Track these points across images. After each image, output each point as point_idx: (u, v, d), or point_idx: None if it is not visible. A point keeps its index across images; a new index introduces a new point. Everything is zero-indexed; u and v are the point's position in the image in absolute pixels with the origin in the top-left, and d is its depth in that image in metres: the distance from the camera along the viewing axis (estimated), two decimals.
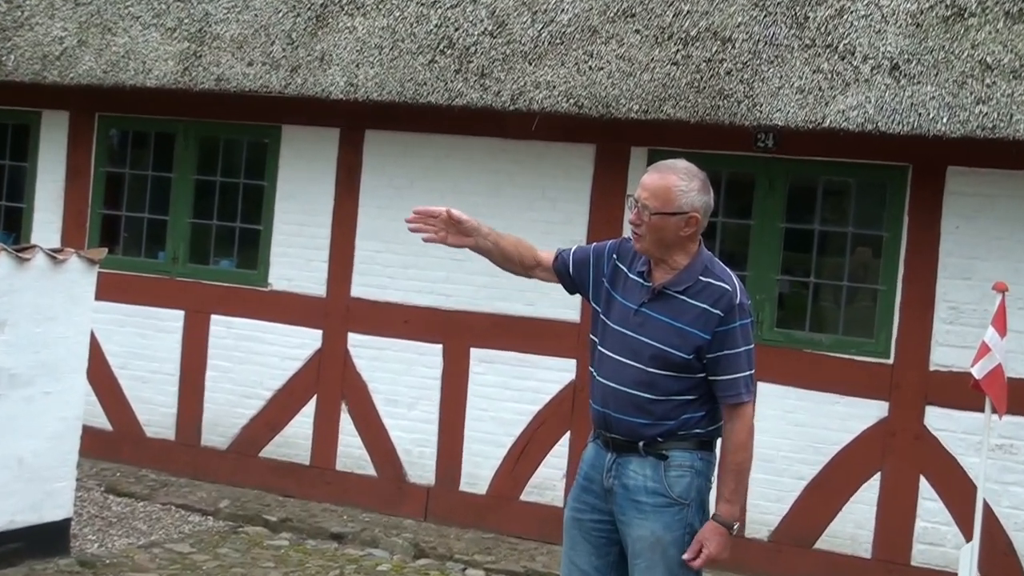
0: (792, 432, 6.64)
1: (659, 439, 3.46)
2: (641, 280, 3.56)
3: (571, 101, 6.49)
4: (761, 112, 6.12)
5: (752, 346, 3.47)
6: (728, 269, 3.55)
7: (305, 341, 7.67)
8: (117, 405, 8.08)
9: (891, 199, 6.49)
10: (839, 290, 6.69)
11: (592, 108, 6.43)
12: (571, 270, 3.68)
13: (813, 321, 6.72)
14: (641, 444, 3.46)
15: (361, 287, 7.57)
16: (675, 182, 3.42)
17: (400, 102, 6.88)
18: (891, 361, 6.43)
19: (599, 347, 3.57)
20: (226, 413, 7.86)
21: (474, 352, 7.29)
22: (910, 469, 6.40)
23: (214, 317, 7.86)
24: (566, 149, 7.09)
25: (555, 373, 7.11)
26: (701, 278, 3.48)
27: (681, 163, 3.49)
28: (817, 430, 6.59)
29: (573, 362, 7.04)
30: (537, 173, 7.16)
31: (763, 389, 6.55)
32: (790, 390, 6.62)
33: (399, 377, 7.46)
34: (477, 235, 3.58)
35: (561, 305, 6.97)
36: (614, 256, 3.63)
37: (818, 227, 6.71)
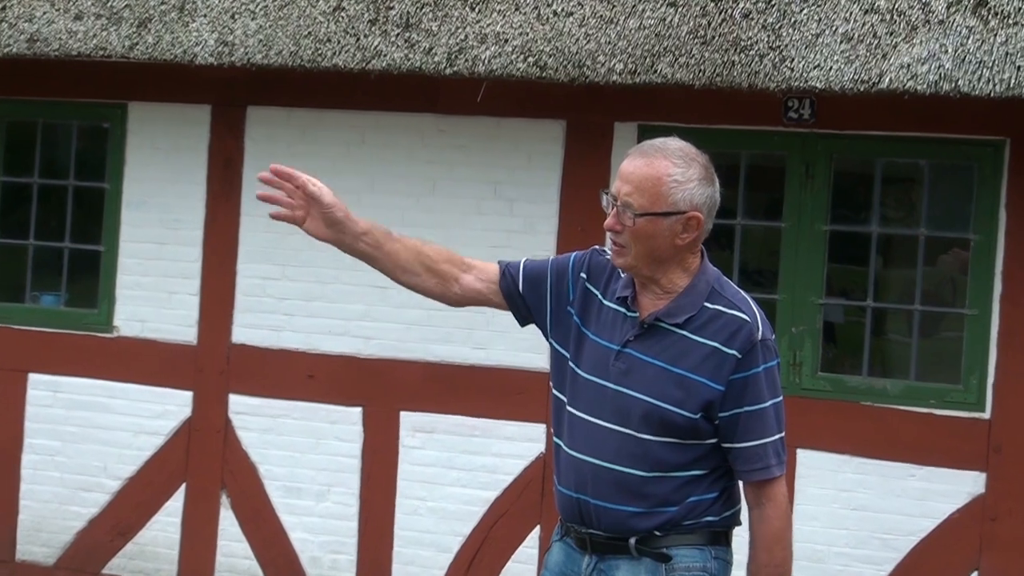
0: (850, 519, 6.63)
1: (657, 533, 3.47)
2: (623, 309, 3.57)
3: (530, 60, 6.52)
4: (793, 70, 6.14)
5: (781, 398, 3.51)
6: (742, 292, 3.58)
7: (167, 408, 7.63)
8: None
9: (980, 187, 6.51)
10: (909, 317, 6.70)
11: (560, 70, 6.45)
12: (521, 287, 3.70)
13: (874, 362, 6.73)
14: (632, 541, 3.48)
15: (246, 329, 7.54)
16: (667, 169, 3.43)
17: (294, 66, 6.87)
18: (987, 415, 6.45)
19: (567, 407, 3.59)
20: (53, 514, 7.79)
21: (406, 418, 7.27)
22: (1019, 567, 6.40)
23: (32, 377, 7.82)
24: (525, 127, 7.09)
25: (518, 445, 7.08)
26: (708, 305, 3.49)
27: (673, 142, 3.50)
28: (885, 515, 6.59)
29: (542, 428, 7.01)
30: (486, 162, 7.16)
31: (805, 459, 6.54)
32: (845, 460, 6.62)
33: (302, 456, 7.43)
34: (345, 230, 3.60)
35: (525, 347, 6.96)
36: (582, 276, 3.65)
37: (876, 229, 6.72)
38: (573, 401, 3.57)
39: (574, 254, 3.72)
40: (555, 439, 3.64)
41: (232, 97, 7.52)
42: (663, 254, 3.47)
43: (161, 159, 7.68)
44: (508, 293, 3.71)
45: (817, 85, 6.10)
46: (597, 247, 3.70)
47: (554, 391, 3.64)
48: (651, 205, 3.43)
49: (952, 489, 6.49)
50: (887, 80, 6.00)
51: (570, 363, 3.59)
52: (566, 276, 3.67)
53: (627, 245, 3.48)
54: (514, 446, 7.10)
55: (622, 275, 3.59)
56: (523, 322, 3.75)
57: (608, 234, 3.52)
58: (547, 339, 3.68)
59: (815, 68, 6.11)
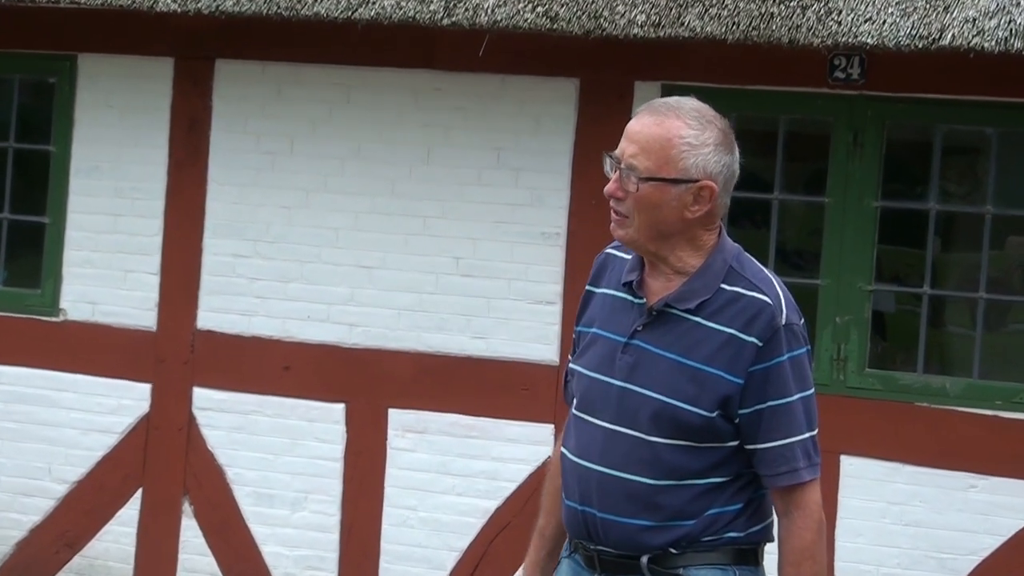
0: (902, 536, 6.61)
1: (672, 550, 3.48)
2: (629, 296, 3.58)
3: (539, 10, 6.52)
4: (840, 23, 6.12)
5: (812, 391, 3.50)
6: (766, 270, 3.57)
7: (122, 402, 7.62)
8: None
9: None
10: (973, 307, 6.69)
11: (573, 21, 6.44)
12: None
13: (930, 357, 6.72)
14: (645, 560, 3.49)
15: (213, 314, 7.53)
16: (679, 130, 3.44)
17: (270, 14, 6.86)
18: None
19: (573, 410, 3.65)
20: None
21: (394, 415, 7.27)
22: None
23: None
24: (533, 87, 7.07)
25: (522, 448, 7.07)
26: (725, 286, 3.50)
27: (689, 101, 3.52)
28: (942, 532, 6.57)
29: (550, 429, 7.01)
30: (488, 125, 7.15)
31: (851, 467, 6.53)
32: (896, 468, 6.61)
33: (276, 458, 7.42)
34: (549, 565, 3.80)
35: (530, 337, 6.97)
36: (587, 289, 3.72)
37: (935, 206, 6.70)
38: (578, 403, 3.60)
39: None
40: (562, 447, 3.67)
41: (198, 49, 7.49)
42: (670, 227, 3.47)
43: (115, 119, 7.66)
44: None
45: (868, 41, 6.09)
46: (610, 247, 3.72)
47: (568, 392, 3.74)
48: (658, 169, 3.43)
49: (1020, 502, 6.49)
50: (949, 36, 5.99)
51: (571, 364, 3.67)
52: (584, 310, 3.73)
53: (629, 214, 3.48)
54: (518, 449, 7.09)
55: (626, 256, 3.60)
56: None
57: (610, 201, 3.52)
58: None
59: (866, 21, 6.11)
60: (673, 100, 3.51)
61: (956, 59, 6.08)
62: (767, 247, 6.74)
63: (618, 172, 3.48)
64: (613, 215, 3.53)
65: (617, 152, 3.48)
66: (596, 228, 6.70)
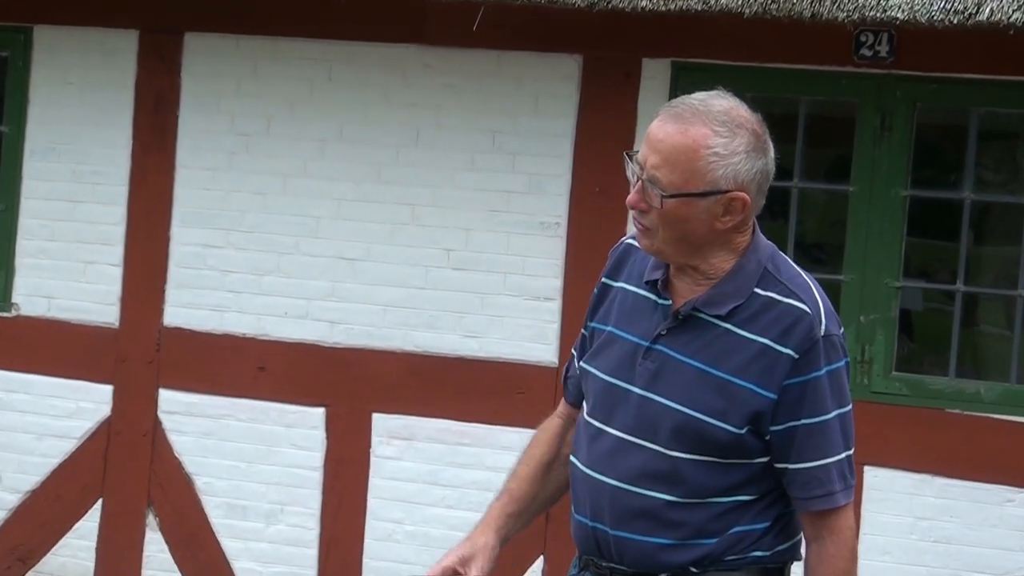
0: (931, 553, 6.64)
1: (693, 569, 3.49)
2: (653, 296, 3.57)
3: None
4: None
5: (850, 407, 3.50)
6: (804, 274, 3.55)
7: (81, 405, 7.63)
8: None
9: None
10: (1010, 306, 6.71)
11: None
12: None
13: (963, 360, 6.73)
14: None
15: (181, 309, 7.55)
16: (706, 140, 3.40)
17: None
18: None
19: (585, 416, 3.61)
20: None
21: (379, 421, 7.29)
22: None
23: None
24: (532, 64, 7.09)
25: (517, 456, 7.04)
26: (759, 291, 3.49)
27: (718, 101, 3.46)
28: (975, 549, 6.60)
29: None
30: (483, 106, 7.16)
31: (876, 479, 6.56)
32: (925, 480, 6.63)
33: (249, 466, 7.44)
34: (508, 525, 3.88)
35: (527, 336, 6.99)
36: (603, 281, 3.70)
37: (969, 196, 6.71)
38: (591, 409, 3.59)
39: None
40: (571, 456, 3.66)
41: (165, 21, 7.50)
42: (699, 240, 3.46)
43: (74, 97, 7.67)
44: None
45: (898, 15, 6.11)
46: (629, 236, 3.70)
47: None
48: (684, 184, 3.40)
49: None
50: (987, 10, 6.01)
51: (581, 363, 3.66)
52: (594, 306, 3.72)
53: (653, 227, 3.46)
54: (513, 458, 6.89)
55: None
56: None
57: (632, 212, 3.50)
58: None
59: None
60: (699, 101, 3.45)
61: (994, 36, 6.10)
62: (786, 239, 6.74)
63: (640, 183, 3.44)
64: (636, 225, 3.50)
65: (638, 158, 3.45)
66: (599, 218, 6.72)
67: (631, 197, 3.47)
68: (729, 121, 3.42)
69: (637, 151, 3.47)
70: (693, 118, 3.42)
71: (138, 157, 7.59)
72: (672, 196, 3.40)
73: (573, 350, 3.81)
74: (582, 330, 3.76)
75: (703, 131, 3.40)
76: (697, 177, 3.40)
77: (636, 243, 3.62)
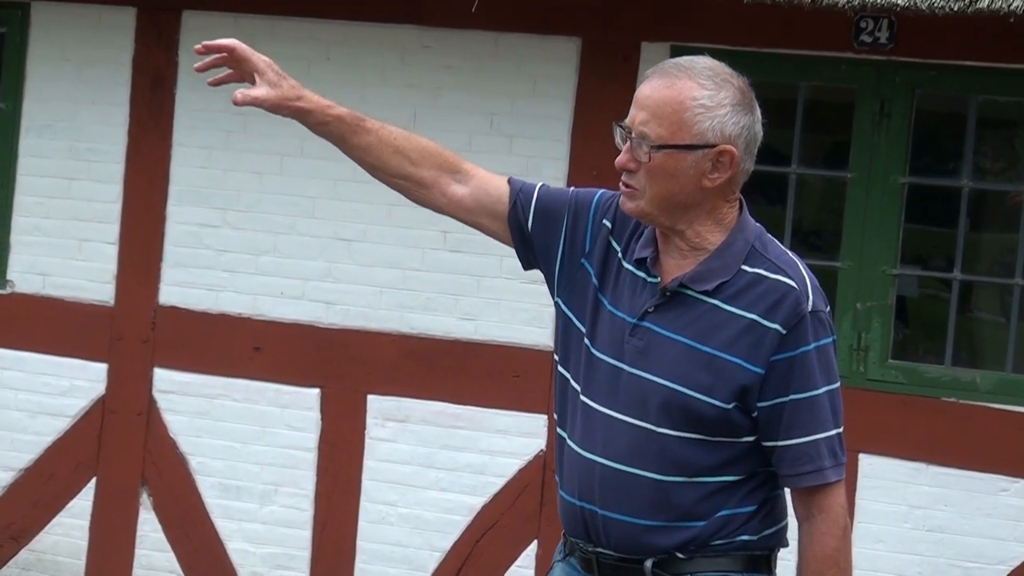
0: (925, 542, 6.64)
1: (679, 555, 3.51)
2: (642, 273, 3.59)
3: None
4: None
5: (838, 384, 3.52)
6: (790, 253, 3.58)
7: (75, 383, 7.64)
8: None
9: None
10: (1007, 294, 6.70)
11: None
12: (531, 224, 3.72)
13: (959, 348, 6.72)
14: (649, 564, 3.52)
15: (177, 288, 7.55)
16: (691, 91, 3.45)
17: None
18: None
19: (579, 394, 3.63)
20: None
21: (374, 402, 7.30)
22: None
23: None
24: (530, 46, 7.09)
25: (513, 440, 7.09)
26: (746, 268, 3.51)
27: (702, 60, 3.52)
28: (969, 538, 6.60)
29: (543, 420, 7.03)
30: (481, 88, 7.16)
31: (870, 467, 6.57)
32: (919, 469, 6.64)
33: (244, 447, 7.45)
34: (302, 98, 3.83)
35: (524, 319, 6.99)
36: (605, 223, 3.67)
37: (968, 183, 6.71)
38: (583, 385, 3.59)
39: (600, 191, 3.72)
40: (558, 431, 3.66)
41: None
42: (686, 198, 3.48)
43: (72, 74, 7.66)
44: (517, 226, 3.72)
45: (899, 2, 6.10)
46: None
47: (559, 368, 3.66)
48: (671, 136, 3.44)
49: None
50: None
51: (585, 339, 3.61)
52: (585, 217, 3.67)
53: (640, 186, 3.48)
54: (508, 441, 7.11)
55: (640, 230, 3.60)
56: (527, 266, 3.77)
57: (621, 174, 3.51)
58: (553, 297, 3.69)
59: None
60: (684, 60, 3.51)
61: (994, 23, 6.08)
62: (783, 225, 6.74)
63: (628, 142, 3.48)
64: (622, 187, 3.52)
65: (627, 121, 3.49)
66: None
67: (620, 158, 3.50)
68: (714, 76, 3.48)
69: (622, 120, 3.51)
70: (679, 73, 3.47)
71: (135, 135, 7.59)
72: (660, 147, 3.44)
73: (538, 185, 3.77)
74: (568, 195, 3.75)
75: (689, 84, 3.46)
76: (684, 129, 3.45)
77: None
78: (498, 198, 3.75)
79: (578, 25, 6.98)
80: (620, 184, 3.54)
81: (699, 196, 3.49)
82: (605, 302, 3.59)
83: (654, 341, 3.50)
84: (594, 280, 3.62)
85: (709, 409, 3.45)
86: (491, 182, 3.77)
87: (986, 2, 6.01)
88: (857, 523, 6.54)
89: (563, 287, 3.67)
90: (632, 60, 6.93)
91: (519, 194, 3.74)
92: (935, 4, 6.07)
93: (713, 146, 3.45)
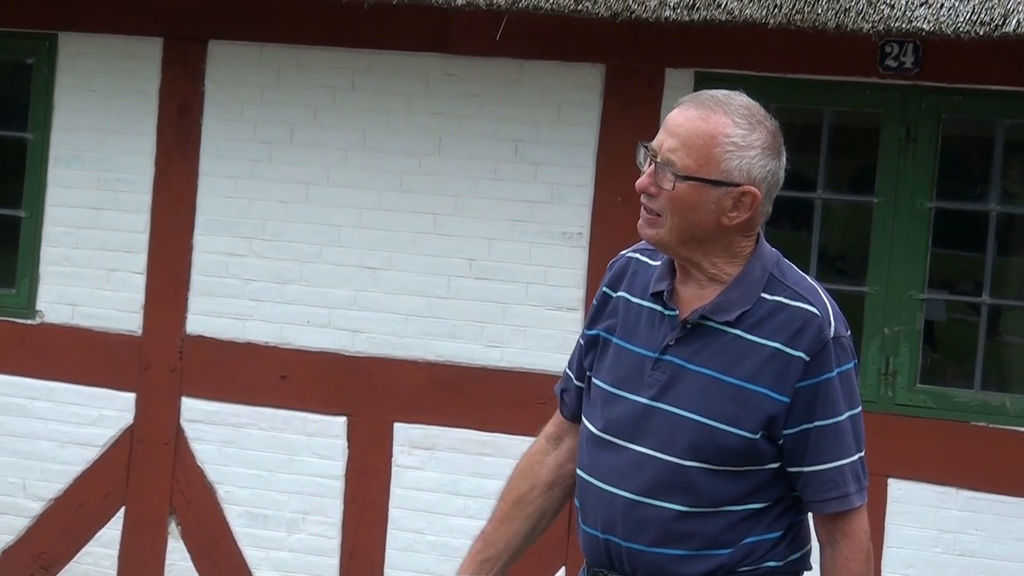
0: (955, 567, 6.62)
1: None
2: (659, 307, 3.58)
3: None
4: (893, 7, 6.12)
5: (859, 409, 3.51)
6: (809, 279, 3.58)
7: (104, 413, 7.65)
8: None
9: None
10: None
11: (600, 2, 6.46)
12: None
13: (988, 372, 6.71)
14: None
15: (204, 317, 7.57)
16: (725, 128, 3.44)
17: None
18: None
19: (590, 427, 3.63)
20: None
21: (401, 430, 7.30)
22: None
23: None
24: (555, 73, 7.10)
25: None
26: (765, 296, 3.50)
27: (739, 98, 3.49)
28: (1000, 563, 6.59)
29: None
30: (506, 115, 7.18)
31: (900, 492, 6.55)
32: (949, 494, 6.62)
33: (271, 475, 7.46)
34: (485, 570, 3.85)
35: (549, 346, 6.99)
36: (603, 290, 3.71)
37: (995, 208, 6.71)
38: (602, 424, 3.59)
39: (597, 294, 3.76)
40: (578, 470, 3.67)
41: (189, 28, 7.53)
42: (704, 233, 3.46)
43: (99, 104, 7.69)
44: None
45: (924, 26, 6.10)
46: (629, 249, 3.71)
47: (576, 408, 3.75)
48: (698, 168, 3.41)
49: None
50: (1013, 22, 6.00)
51: (595, 379, 3.65)
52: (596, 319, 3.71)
53: (662, 213, 3.46)
54: None
55: (652, 263, 3.60)
56: None
57: (641, 198, 3.49)
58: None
59: (921, 5, 6.11)
60: (721, 94, 3.48)
61: (1020, 47, 6.10)
62: (809, 251, 6.76)
63: (653, 166, 3.45)
64: (643, 212, 3.50)
65: (654, 144, 3.46)
66: (621, 228, 6.69)
67: (641, 180, 3.47)
68: (750, 116, 3.45)
69: (650, 142, 3.49)
70: (715, 107, 3.44)
71: (161, 165, 7.62)
72: (685, 178, 3.41)
73: (568, 365, 3.83)
74: (579, 339, 3.78)
75: (724, 120, 3.43)
76: (712, 164, 3.42)
77: (640, 257, 3.64)
78: (560, 423, 3.88)
79: (602, 52, 6.99)
80: (641, 209, 3.53)
81: (716, 232, 3.46)
82: (614, 339, 3.60)
83: (678, 375, 3.48)
84: (594, 331, 3.68)
85: (736, 440, 3.43)
86: (560, 427, 3.87)
87: (1012, 27, 6.00)
88: (887, 548, 6.54)
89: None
90: (656, 86, 6.94)
91: (563, 393, 3.85)
92: (960, 28, 6.06)
93: (738, 185, 3.43)
